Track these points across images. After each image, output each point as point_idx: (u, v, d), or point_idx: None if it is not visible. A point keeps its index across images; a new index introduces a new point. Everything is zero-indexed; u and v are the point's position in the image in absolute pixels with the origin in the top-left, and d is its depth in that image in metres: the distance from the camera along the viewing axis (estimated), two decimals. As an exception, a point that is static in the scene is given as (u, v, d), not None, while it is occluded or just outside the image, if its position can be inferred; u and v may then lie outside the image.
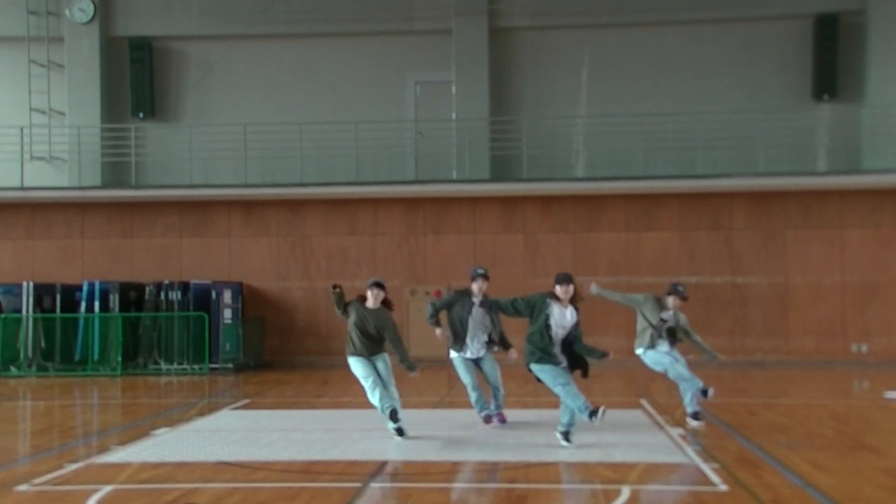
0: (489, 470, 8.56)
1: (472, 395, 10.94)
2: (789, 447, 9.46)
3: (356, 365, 10.13)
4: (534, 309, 9.31)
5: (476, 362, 10.90)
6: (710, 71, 20.49)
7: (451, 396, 14.85)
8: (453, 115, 20.66)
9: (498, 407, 11.00)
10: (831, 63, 19.98)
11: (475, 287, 10.71)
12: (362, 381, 10.10)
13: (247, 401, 14.08)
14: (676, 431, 10.45)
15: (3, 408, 14.28)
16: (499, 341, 10.91)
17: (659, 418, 11.56)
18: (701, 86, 20.43)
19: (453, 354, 10.89)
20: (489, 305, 10.53)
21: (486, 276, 10.78)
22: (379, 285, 10.19)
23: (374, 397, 10.03)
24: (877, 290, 19.81)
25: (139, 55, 21.20)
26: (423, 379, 16.83)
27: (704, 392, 10.84)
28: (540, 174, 20.06)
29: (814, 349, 19.82)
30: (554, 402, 12.61)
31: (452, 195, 20.36)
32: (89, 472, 8.47)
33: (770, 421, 11.72)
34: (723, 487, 7.60)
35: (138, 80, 21.21)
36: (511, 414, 11.24)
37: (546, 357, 9.22)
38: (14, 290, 19.59)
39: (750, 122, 19.79)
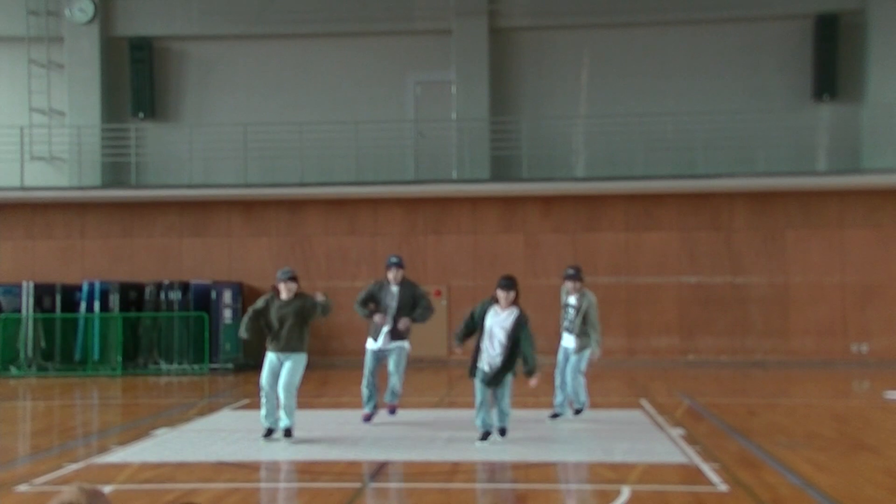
0: (489, 470, 8.56)
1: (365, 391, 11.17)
2: (789, 447, 9.47)
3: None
4: (474, 313, 9.64)
5: (382, 355, 11.05)
6: (710, 71, 20.48)
7: (451, 396, 14.85)
8: (453, 115, 20.65)
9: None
10: (831, 63, 19.96)
11: (390, 275, 11.05)
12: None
13: (247, 401, 14.07)
14: (676, 431, 10.45)
15: (3, 408, 14.29)
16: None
17: (659, 418, 11.57)
18: (701, 86, 20.42)
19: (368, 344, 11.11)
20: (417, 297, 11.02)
21: (399, 265, 11.11)
22: (293, 278, 10.07)
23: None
24: (877, 290, 19.80)
25: (139, 55, 21.18)
26: (423, 379, 16.84)
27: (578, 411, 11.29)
28: (540, 174, 20.05)
29: (814, 349, 19.82)
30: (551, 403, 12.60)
31: (452, 195, 20.36)
32: (89, 472, 8.48)
33: (770, 421, 11.73)
34: (723, 487, 7.60)
35: (138, 80, 21.19)
36: (511, 414, 11.21)
37: (473, 369, 9.57)
38: (14, 290, 19.58)
39: (750, 122, 19.78)
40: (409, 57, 21.07)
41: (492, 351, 9.45)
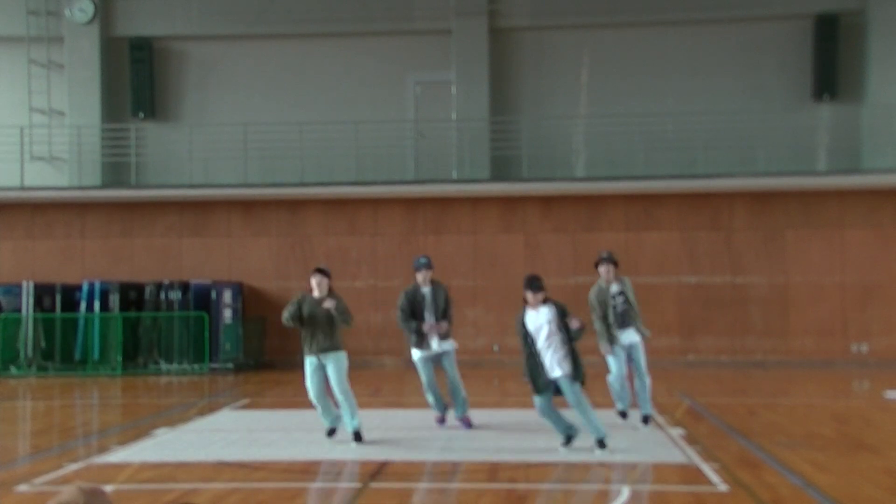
0: (489, 470, 8.56)
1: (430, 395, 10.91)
2: (789, 447, 9.47)
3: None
4: (520, 324, 9.14)
5: (436, 359, 10.80)
6: (710, 71, 20.48)
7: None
8: (453, 115, 20.66)
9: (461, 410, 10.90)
10: (831, 63, 19.96)
11: (420, 277, 10.78)
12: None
13: (247, 401, 14.08)
14: (676, 431, 10.45)
15: (3, 408, 14.28)
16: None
17: (659, 418, 11.56)
18: (701, 86, 20.42)
19: (417, 354, 10.82)
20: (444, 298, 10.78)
21: (429, 266, 10.85)
22: (322, 272, 10.05)
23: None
24: (877, 290, 19.80)
25: (139, 55, 21.17)
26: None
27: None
28: (540, 174, 20.05)
29: (814, 349, 19.81)
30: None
31: (452, 195, 20.36)
32: (89, 472, 8.48)
33: (770, 421, 11.73)
34: (723, 487, 7.60)
35: (138, 80, 21.19)
36: (510, 415, 11.24)
37: (534, 385, 9.07)
38: (14, 290, 19.58)
39: (750, 122, 19.78)
40: (409, 57, 21.07)
41: (553, 354, 8.94)
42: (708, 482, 7.81)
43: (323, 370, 9.83)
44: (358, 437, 9.74)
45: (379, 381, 17.11)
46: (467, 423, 10.80)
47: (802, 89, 20.22)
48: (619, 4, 20.60)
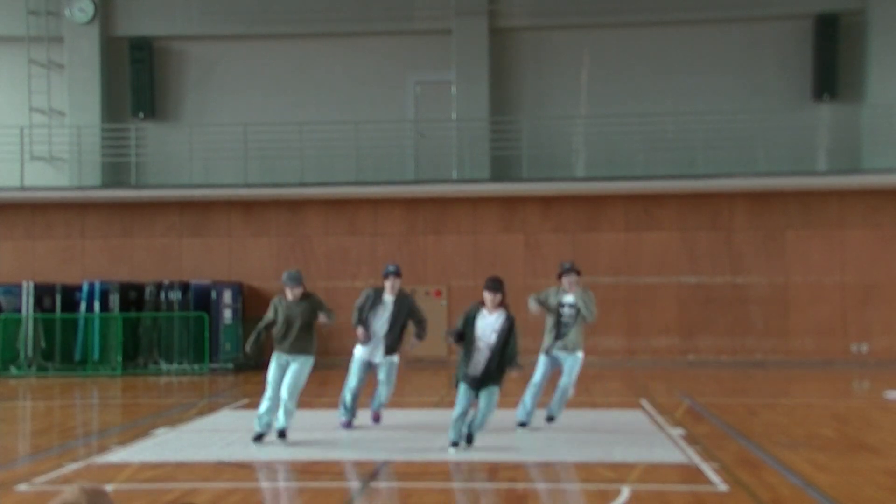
0: (489, 470, 8.56)
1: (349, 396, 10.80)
2: (789, 447, 9.47)
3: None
4: (466, 319, 9.20)
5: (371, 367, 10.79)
6: (710, 71, 20.47)
7: (451, 396, 14.83)
8: (453, 115, 20.66)
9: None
10: (831, 63, 19.96)
11: (387, 285, 10.73)
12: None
13: (247, 401, 14.07)
14: (676, 431, 10.45)
15: (3, 408, 14.29)
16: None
17: (659, 418, 11.56)
18: (701, 85, 20.41)
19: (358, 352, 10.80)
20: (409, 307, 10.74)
21: (397, 274, 10.77)
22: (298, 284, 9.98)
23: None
24: (877, 290, 19.80)
25: (139, 55, 21.18)
26: (423, 379, 16.85)
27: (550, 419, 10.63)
28: (540, 174, 20.05)
29: (814, 349, 19.81)
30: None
31: (452, 195, 20.36)
32: (89, 472, 8.48)
33: (770, 421, 11.73)
34: (723, 487, 7.60)
35: (138, 80, 21.19)
36: (509, 415, 11.21)
37: (463, 377, 9.14)
38: (14, 290, 19.58)
39: (750, 122, 19.78)
40: (409, 57, 21.07)
41: (479, 356, 9.06)
42: (708, 482, 7.81)
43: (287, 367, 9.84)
44: (282, 434, 9.73)
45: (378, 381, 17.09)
46: (376, 419, 10.89)
47: (802, 89, 20.22)
48: (619, 4, 20.60)
